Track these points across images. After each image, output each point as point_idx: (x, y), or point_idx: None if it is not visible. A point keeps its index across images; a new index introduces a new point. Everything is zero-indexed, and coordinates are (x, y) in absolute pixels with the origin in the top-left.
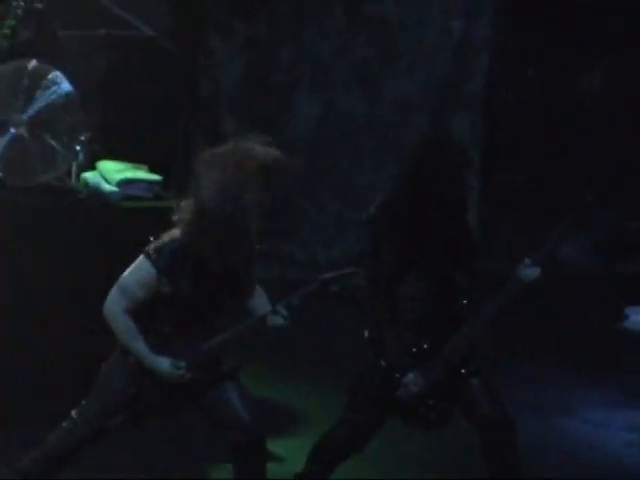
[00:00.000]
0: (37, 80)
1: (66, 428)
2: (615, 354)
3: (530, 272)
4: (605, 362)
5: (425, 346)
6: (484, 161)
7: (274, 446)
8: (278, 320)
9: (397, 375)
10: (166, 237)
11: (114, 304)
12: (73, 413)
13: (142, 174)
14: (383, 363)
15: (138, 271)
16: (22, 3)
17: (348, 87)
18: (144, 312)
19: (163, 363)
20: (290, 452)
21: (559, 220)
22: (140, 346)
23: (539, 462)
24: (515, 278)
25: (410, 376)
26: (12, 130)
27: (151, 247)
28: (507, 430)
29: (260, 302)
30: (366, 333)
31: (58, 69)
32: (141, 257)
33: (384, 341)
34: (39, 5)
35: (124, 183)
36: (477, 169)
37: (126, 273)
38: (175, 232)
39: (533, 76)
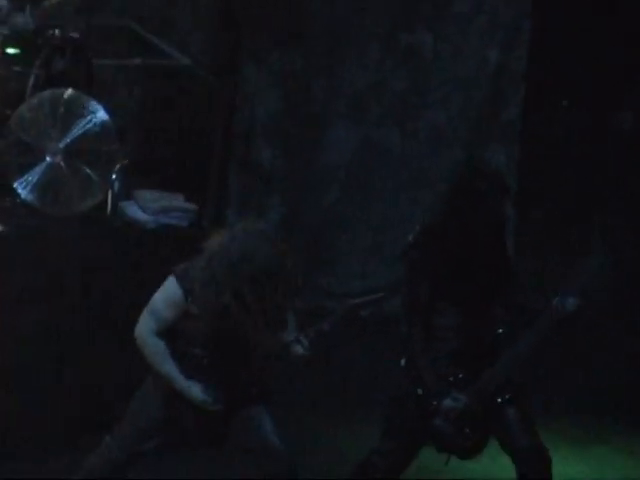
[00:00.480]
0: (73, 109)
1: (100, 453)
2: None
3: (569, 303)
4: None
5: (460, 376)
6: (519, 194)
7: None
8: (298, 350)
9: (434, 403)
10: (194, 260)
11: (144, 325)
12: (107, 438)
13: (178, 203)
14: (420, 391)
15: (166, 291)
16: (58, 32)
17: (383, 119)
18: (176, 335)
19: (194, 388)
20: None
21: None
22: (171, 369)
23: None
24: (551, 309)
25: (447, 402)
26: (48, 159)
27: (179, 267)
28: (543, 462)
29: (290, 328)
30: (402, 361)
31: (94, 98)
32: (169, 277)
33: (420, 369)
34: (75, 34)
35: (160, 212)
36: (513, 201)
37: (155, 295)
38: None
39: (567, 108)
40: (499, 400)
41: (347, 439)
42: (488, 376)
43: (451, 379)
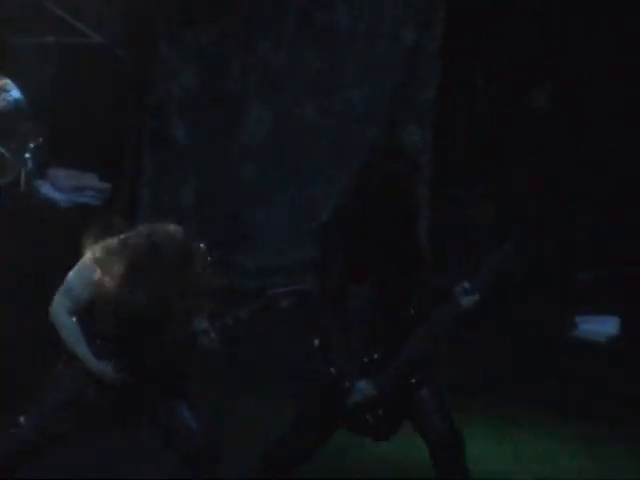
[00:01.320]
0: None
1: (13, 434)
2: (566, 365)
3: (468, 300)
4: (555, 373)
5: (375, 356)
6: (435, 174)
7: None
8: (206, 342)
9: (347, 384)
10: (110, 240)
11: (59, 305)
12: (21, 419)
13: (91, 181)
14: (333, 371)
15: (81, 272)
16: None
17: (298, 97)
18: (89, 316)
19: (107, 367)
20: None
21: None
22: (83, 349)
23: (490, 472)
24: (453, 302)
25: (361, 384)
26: None
27: (94, 248)
28: (456, 443)
29: (202, 319)
30: (316, 342)
31: (8, 77)
32: (84, 258)
33: (334, 349)
34: None
35: (74, 190)
36: (428, 181)
37: (70, 274)
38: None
39: (482, 88)
40: (412, 381)
41: (264, 416)
42: (401, 357)
43: (365, 360)
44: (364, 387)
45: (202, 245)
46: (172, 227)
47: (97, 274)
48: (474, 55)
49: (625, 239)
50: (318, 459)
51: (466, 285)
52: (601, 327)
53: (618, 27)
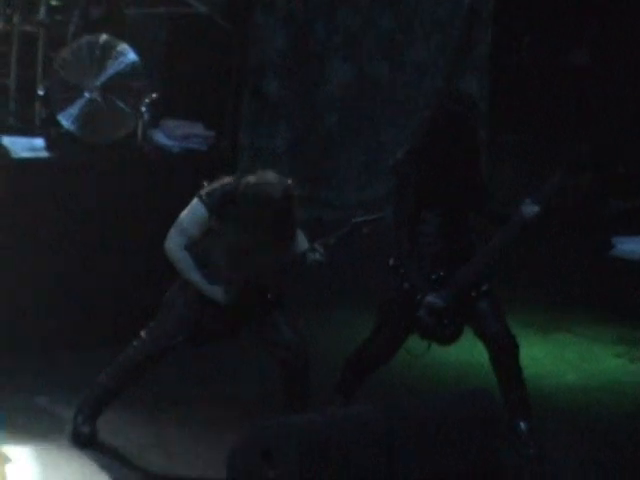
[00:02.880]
0: (107, 52)
1: (135, 346)
2: (605, 279)
3: (530, 209)
4: (596, 286)
5: (442, 274)
6: (491, 118)
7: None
8: (315, 256)
9: (418, 297)
10: (217, 183)
11: (172, 241)
12: (142, 333)
13: (198, 130)
14: (406, 286)
15: (192, 212)
16: None
17: (373, 55)
18: (202, 247)
19: (217, 290)
20: (330, 365)
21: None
22: (197, 277)
23: (542, 372)
24: (517, 215)
25: (429, 297)
26: (87, 95)
27: (203, 191)
28: (511, 345)
29: (300, 240)
30: (391, 261)
31: (125, 42)
32: (194, 199)
33: (407, 267)
34: None
35: (183, 138)
36: (485, 125)
37: (182, 214)
38: (227, 179)
39: (529, 44)
40: (473, 294)
41: (346, 329)
42: (463, 274)
43: (433, 277)
44: (432, 300)
45: (293, 182)
46: (273, 174)
47: (207, 214)
48: (521, 16)
49: None
50: (390, 368)
51: (528, 200)
52: (636, 246)
53: None
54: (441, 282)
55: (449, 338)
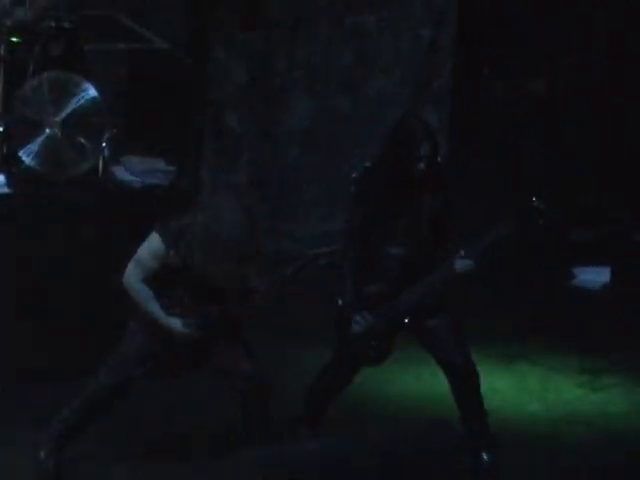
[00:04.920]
0: (68, 88)
1: (98, 379)
2: (566, 308)
3: (463, 264)
4: (558, 315)
5: (384, 291)
6: (452, 148)
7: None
8: (257, 300)
9: (348, 314)
10: (174, 216)
11: (131, 274)
12: (103, 365)
13: (159, 165)
14: (340, 302)
15: (149, 244)
16: (53, 23)
17: (335, 89)
18: (159, 280)
19: (176, 323)
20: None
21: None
22: (156, 308)
23: (502, 402)
24: (449, 266)
25: (358, 315)
26: (48, 130)
27: (161, 223)
28: (472, 376)
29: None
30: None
31: (85, 78)
32: (152, 232)
33: (344, 280)
34: (68, 24)
35: (144, 173)
36: (445, 155)
37: (140, 247)
38: (186, 214)
39: (488, 76)
40: (406, 321)
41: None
42: (401, 299)
43: (371, 291)
44: (360, 318)
45: (256, 215)
46: (234, 202)
47: (164, 246)
48: (480, 49)
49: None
50: (352, 398)
51: (462, 253)
52: (597, 276)
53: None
54: (379, 300)
55: (374, 359)
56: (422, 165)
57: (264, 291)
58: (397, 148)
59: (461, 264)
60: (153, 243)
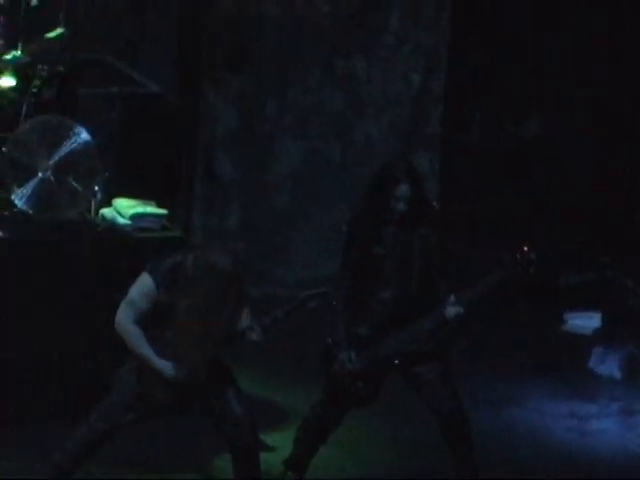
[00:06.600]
0: (60, 131)
1: (89, 423)
2: (556, 353)
3: (452, 310)
4: (548, 359)
5: (365, 334)
6: (443, 192)
7: (267, 437)
8: (253, 336)
9: (335, 353)
10: (165, 256)
11: (122, 315)
12: (95, 410)
13: (151, 209)
14: (329, 340)
15: (140, 285)
16: (46, 67)
17: (324, 133)
18: (150, 322)
19: (167, 366)
20: (281, 442)
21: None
22: (147, 351)
23: (492, 446)
24: (439, 313)
25: (344, 355)
26: (40, 174)
27: (151, 263)
28: (463, 424)
29: (244, 317)
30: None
31: (78, 122)
32: (143, 273)
33: (333, 320)
34: (60, 68)
35: (136, 217)
36: (436, 199)
37: (131, 288)
38: (177, 254)
39: (480, 120)
40: (396, 362)
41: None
42: (389, 342)
43: (362, 332)
44: (346, 358)
45: (245, 261)
46: (222, 248)
47: (155, 286)
48: (471, 93)
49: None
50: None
51: (452, 299)
52: (587, 322)
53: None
54: (367, 342)
55: (360, 401)
56: (402, 205)
57: (256, 332)
58: (377, 189)
59: (451, 311)
60: (143, 283)
